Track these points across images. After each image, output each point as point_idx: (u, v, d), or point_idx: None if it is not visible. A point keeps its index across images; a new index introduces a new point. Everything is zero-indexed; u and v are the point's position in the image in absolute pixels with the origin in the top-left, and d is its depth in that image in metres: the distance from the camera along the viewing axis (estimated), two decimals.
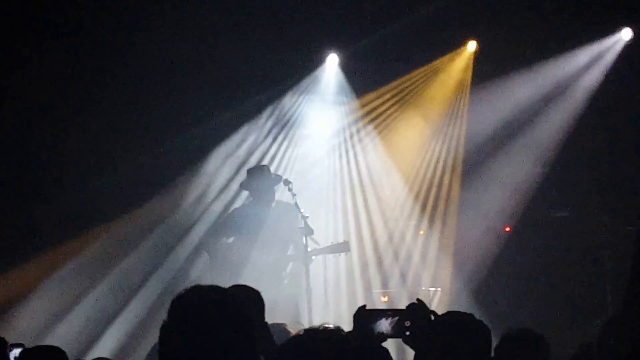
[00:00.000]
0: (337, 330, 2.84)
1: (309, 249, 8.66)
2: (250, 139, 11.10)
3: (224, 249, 9.02)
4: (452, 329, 3.77)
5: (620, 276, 11.33)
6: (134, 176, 10.35)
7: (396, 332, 3.71)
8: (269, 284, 8.51)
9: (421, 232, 11.43)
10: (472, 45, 11.55)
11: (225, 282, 8.24)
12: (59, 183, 10.32)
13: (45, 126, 10.14)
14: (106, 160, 10.44)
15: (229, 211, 9.81)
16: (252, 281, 8.28)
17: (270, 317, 6.95)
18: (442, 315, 3.87)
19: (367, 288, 10.83)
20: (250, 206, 9.23)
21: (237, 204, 10.34)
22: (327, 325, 2.84)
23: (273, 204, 9.03)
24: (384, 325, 3.71)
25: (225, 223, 9.32)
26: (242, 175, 10.82)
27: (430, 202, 11.64)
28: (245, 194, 10.03)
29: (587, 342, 5.46)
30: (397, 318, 3.72)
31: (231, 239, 9.11)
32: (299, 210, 8.68)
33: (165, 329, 2.62)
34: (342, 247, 8.83)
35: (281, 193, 9.33)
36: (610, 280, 11.36)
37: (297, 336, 2.83)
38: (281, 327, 5.77)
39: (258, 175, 9.14)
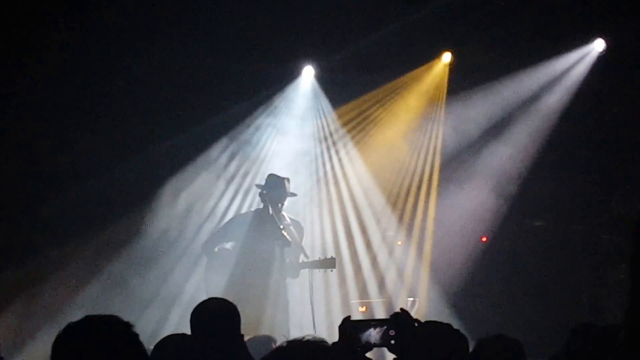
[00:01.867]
0: (320, 341, 2.85)
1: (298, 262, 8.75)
2: (227, 152, 11.05)
3: (223, 255, 9.00)
4: (430, 339, 3.83)
5: (596, 283, 11.42)
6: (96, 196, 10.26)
7: (382, 342, 3.76)
8: (271, 296, 8.56)
9: (399, 243, 11.45)
10: (446, 57, 11.60)
11: (223, 287, 8.29)
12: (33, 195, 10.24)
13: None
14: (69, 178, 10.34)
15: (234, 215, 9.73)
16: (252, 292, 8.39)
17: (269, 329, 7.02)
18: (421, 325, 3.94)
19: (345, 298, 10.82)
20: (257, 215, 9.12)
21: (212, 220, 10.30)
22: (309, 337, 2.85)
23: (280, 215, 8.99)
24: (370, 335, 3.76)
25: (227, 228, 9.26)
26: (217, 189, 10.75)
27: (408, 213, 11.66)
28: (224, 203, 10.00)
29: (557, 354, 5.50)
30: (382, 328, 3.76)
31: (229, 244, 9.06)
32: (275, 221, 8.68)
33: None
34: (329, 264, 8.83)
35: (257, 204, 9.32)
36: (586, 288, 11.44)
37: (281, 348, 2.84)
38: (266, 339, 5.77)
39: (278, 186, 9.07)
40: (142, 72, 10.35)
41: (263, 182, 9.19)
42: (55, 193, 10.23)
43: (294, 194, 9.16)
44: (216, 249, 9.07)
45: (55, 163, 10.31)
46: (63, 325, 2.72)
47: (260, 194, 9.06)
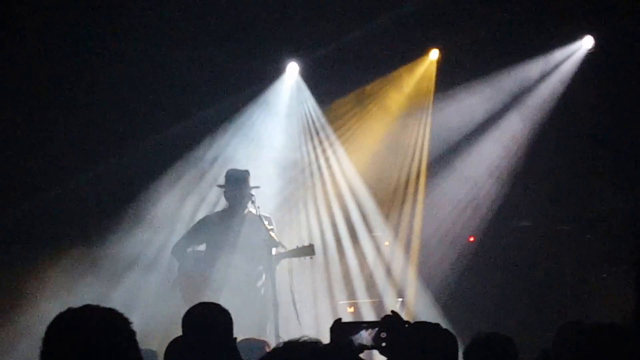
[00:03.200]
0: (317, 342, 2.78)
1: (273, 254, 8.53)
2: (211, 150, 10.89)
3: (195, 257, 8.82)
4: (422, 340, 3.80)
5: (580, 282, 11.44)
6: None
7: (373, 344, 3.73)
8: (245, 295, 8.41)
9: (386, 243, 11.36)
10: (434, 54, 11.52)
11: (196, 291, 8.09)
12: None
13: None
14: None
15: (201, 217, 9.44)
16: (226, 291, 8.24)
17: (245, 330, 6.88)
18: (411, 326, 3.92)
19: (333, 299, 10.70)
20: (224, 214, 8.94)
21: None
22: (306, 338, 2.78)
23: (246, 212, 8.82)
24: (361, 337, 3.74)
25: (196, 229, 9.01)
26: (197, 192, 10.60)
27: (395, 213, 11.57)
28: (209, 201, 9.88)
29: (546, 347, 5.55)
30: (373, 329, 3.72)
31: (202, 246, 8.87)
32: (263, 222, 8.55)
33: (43, 344, 2.65)
34: (307, 251, 8.59)
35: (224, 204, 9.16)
36: (570, 286, 11.44)
37: (277, 349, 2.76)
38: (259, 344, 5.70)
39: (238, 180, 8.84)
40: (121, 68, 10.16)
41: (222, 182, 9.03)
42: (29, 196, 10.00)
43: (256, 187, 8.95)
44: (188, 250, 8.87)
45: (29, 163, 10.07)
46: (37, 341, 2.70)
47: (225, 193, 8.90)
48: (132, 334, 2.72)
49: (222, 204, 9.24)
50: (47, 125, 10.11)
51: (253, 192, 8.70)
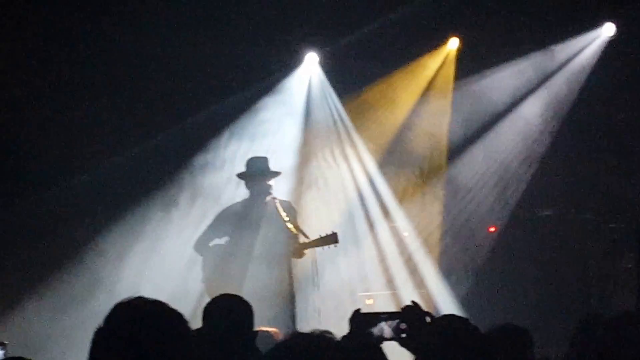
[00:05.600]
0: (327, 333, 2.74)
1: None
2: (230, 142, 10.82)
3: (216, 250, 8.74)
4: (442, 332, 3.72)
5: (604, 272, 11.33)
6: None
7: (393, 335, 3.66)
8: (266, 287, 8.35)
9: (405, 234, 11.28)
10: (454, 42, 11.44)
11: (219, 284, 8.03)
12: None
13: None
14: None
15: (222, 208, 9.22)
16: (247, 284, 8.18)
17: (264, 323, 6.84)
18: (433, 319, 3.86)
19: (352, 291, 10.63)
20: (244, 204, 8.82)
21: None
22: (315, 330, 2.75)
23: (267, 199, 8.71)
24: (380, 328, 3.66)
25: (217, 223, 8.86)
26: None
27: (414, 203, 11.49)
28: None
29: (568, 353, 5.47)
30: (393, 321, 3.67)
31: (224, 239, 8.76)
32: (281, 211, 8.48)
33: (99, 334, 2.61)
34: (330, 239, 8.45)
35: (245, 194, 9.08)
36: (594, 277, 11.34)
37: (284, 342, 2.74)
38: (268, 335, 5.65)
39: (259, 168, 8.74)
40: (129, 61, 10.10)
41: (244, 169, 8.93)
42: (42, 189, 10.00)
43: (277, 173, 8.88)
44: (210, 245, 8.78)
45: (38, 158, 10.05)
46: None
47: (246, 183, 8.81)
48: (185, 322, 2.68)
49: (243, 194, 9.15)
50: (68, 120, 10.09)
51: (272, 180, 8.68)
